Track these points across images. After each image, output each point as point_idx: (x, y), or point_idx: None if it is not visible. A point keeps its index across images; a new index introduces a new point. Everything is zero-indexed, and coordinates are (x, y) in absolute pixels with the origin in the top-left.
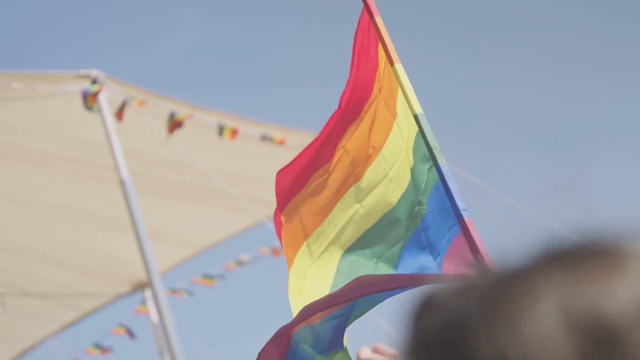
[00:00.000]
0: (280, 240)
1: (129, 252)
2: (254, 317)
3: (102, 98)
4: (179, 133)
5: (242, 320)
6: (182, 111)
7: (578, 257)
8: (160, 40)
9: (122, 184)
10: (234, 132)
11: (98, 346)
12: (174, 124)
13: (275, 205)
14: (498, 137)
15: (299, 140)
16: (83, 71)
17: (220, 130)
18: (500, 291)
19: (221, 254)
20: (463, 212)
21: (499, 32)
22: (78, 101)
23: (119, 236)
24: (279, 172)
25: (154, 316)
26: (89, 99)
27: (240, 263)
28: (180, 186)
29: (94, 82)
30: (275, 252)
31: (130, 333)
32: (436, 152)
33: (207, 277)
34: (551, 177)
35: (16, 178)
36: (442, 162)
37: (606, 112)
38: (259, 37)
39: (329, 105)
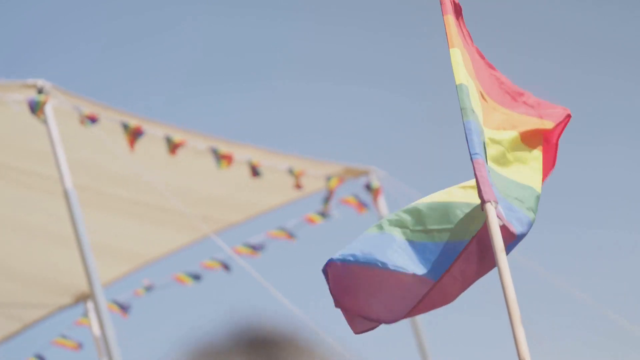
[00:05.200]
0: None
1: (71, 263)
2: (197, 331)
3: (48, 108)
4: (125, 145)
5: (185, 333)
6: (132, 123)
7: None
8: (158, 38)
9: (65, 194)
10: (177, 146)
11: (39, 357)
12: (132, 136)
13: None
14: None
15: (245, 155)
16: (29, 81)
17: (168, 142)
18: None
19: (165, 267)
20: (474, 156)
21: (500, 22)
22: (24, 110)
23: (62, 247)
24: None
25: (96, 328)
26: (38, 112)
27: (186, 275)
28: (125, 198)
29: (40, 91)
30: (223, 266)
31: (69, 344)
32: (463, 112)
33: (151, 289)
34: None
35: None
36: (467, 119)
37: (608, 105)
38: (258, 35)
39: (332, 102)
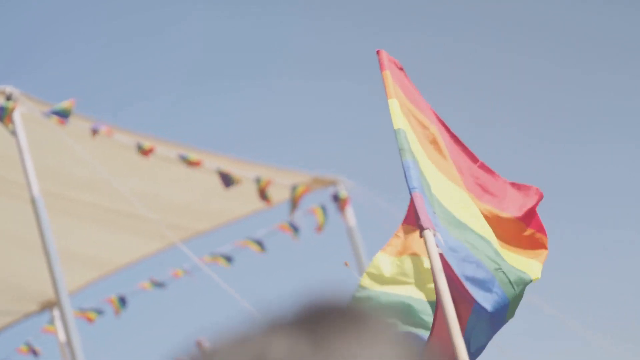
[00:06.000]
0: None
1: (38, 270)
2: (163, 340)
3: (16, 115)
4: (94, 153)
5: (151, 342)
6: (102, 130)
7: (317, 318)
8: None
9: (33, 201)
10: (150, 151)
11: None
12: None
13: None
14: (495, 125)
15: (215, 163)
16: None
17: (139, 147)
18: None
19: (132, 275)
20: (412, 189)
21: (497, 17)
22: None
23: (29, 254)
24: None
25: (62, 336)
26: (6, 119)
27: (153, 284)
28: (93, 206)
29: (9, 98)
30: (184, 273)
31: (34, 351)
32: (402, 152)
33: (117, 298)
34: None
35: None
36: (405, 159)
37: (611, 102)
38: (256, 34)
39: (330, 99)
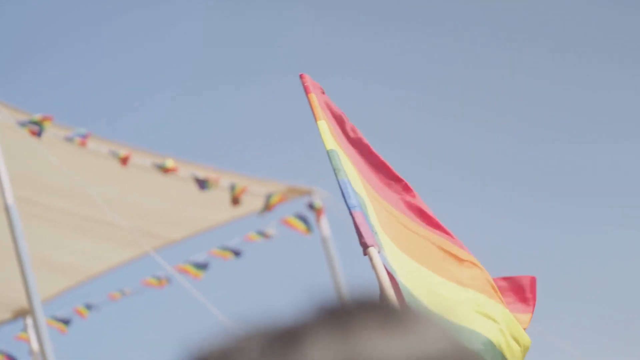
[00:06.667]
0: None
1: (11, 278)
2: (134, 348)
3: None
4: (69, 161)
5: (124, 351)
6: (76, 139)
7: (354, 312)
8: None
9: (7, 209)
10: (125, 160)
11: None
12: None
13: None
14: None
15: (191, 172)
16: None
17: (114, 157)
18: (270, 353)
19: (105, 283)
20: (352, 208)
21: (498, 16)
22: None
23: (2, 262)
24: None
25: (35, 344)
26: None
27: (124, 294)
28: (67, 213)
29: None
30: (160, 282)
31: (11, 358)
32: (337, 172)
33: (90, 306)
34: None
35: None
36: (341, 178)
37: (611, 102)
38: (254, 29)
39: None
